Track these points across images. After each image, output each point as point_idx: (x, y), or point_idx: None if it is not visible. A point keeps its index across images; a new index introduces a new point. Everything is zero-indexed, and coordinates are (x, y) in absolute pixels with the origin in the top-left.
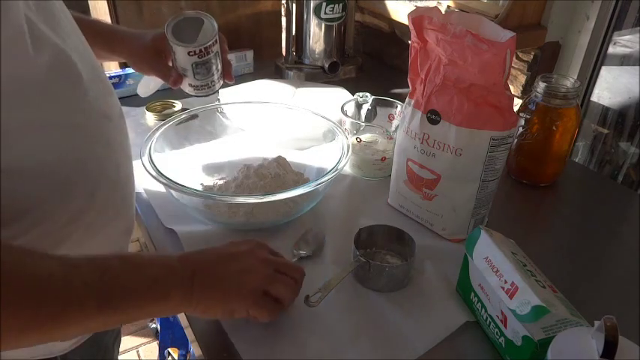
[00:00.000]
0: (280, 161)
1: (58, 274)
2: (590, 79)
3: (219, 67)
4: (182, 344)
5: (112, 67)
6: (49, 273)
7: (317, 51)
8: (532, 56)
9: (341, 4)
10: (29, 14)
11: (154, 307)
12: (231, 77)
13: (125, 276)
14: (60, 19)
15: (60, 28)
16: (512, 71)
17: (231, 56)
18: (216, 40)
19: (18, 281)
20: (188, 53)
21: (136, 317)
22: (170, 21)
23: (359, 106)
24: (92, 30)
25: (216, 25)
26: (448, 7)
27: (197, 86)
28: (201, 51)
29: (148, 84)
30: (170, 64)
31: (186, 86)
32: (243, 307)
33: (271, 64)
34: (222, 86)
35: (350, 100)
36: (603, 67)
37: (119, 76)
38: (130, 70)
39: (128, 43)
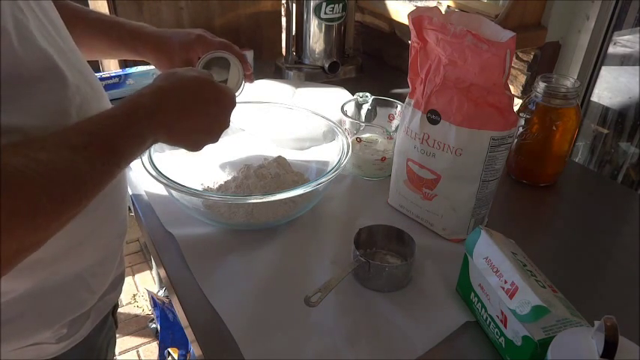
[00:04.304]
0: (280, 161)
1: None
2: (590, 79)
3: (243, 85)
4: (182, 344)
5: (112, 67)
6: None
7: (317, 51)
8: (532, 56)
9: (341, 4)
10: (18, 15)
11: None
12: (252, 78)
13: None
14: (53, 22)
15: (49, 33)
16: (512, 71)
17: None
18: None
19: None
20: None
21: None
22: (201, 59)
23: (359, 106)
24: (116, 30)
25: (241, 69)
26: (448, 7)
27: None
28: None
29: None
30: None
31: None
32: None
33: (271, 64)
34: None
35: (350, 100)
36: (603, 67)
37: (119, 76)
38: (130, 70)
39: (153, 49)
